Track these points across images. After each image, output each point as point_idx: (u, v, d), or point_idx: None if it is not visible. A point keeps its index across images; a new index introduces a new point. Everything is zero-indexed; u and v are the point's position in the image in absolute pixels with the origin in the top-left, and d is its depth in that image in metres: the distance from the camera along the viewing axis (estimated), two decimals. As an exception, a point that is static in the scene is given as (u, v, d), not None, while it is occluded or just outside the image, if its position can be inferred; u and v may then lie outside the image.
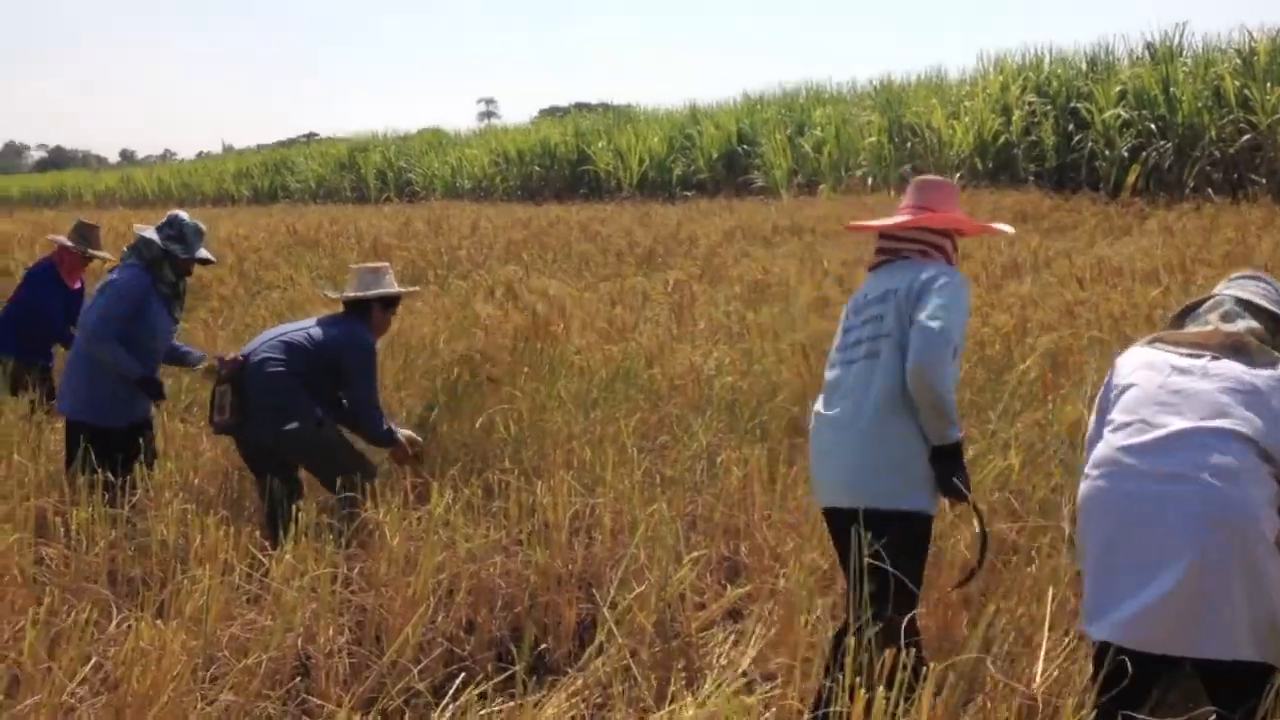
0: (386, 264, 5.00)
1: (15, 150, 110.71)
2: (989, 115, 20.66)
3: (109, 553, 4.03)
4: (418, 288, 5.25)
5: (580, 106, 51.06)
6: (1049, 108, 20.43)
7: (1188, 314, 3.03)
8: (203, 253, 5.28)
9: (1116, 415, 2.76)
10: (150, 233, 5.18)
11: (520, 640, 3.88)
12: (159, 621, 3.16)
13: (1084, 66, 21.04)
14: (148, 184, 47.48)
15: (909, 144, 22.47)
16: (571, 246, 10.70)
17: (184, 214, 5.34)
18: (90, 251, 6.89)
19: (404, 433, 4.77)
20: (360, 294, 4.74)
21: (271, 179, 41.53)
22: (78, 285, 6.97)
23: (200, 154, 66.80)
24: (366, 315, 4.75)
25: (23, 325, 6.76)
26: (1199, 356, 2.73)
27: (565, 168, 30.97)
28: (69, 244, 6.85)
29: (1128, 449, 2.66)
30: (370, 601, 3.63)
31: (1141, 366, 2.81)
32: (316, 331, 4.66)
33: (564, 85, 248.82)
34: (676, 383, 4.99)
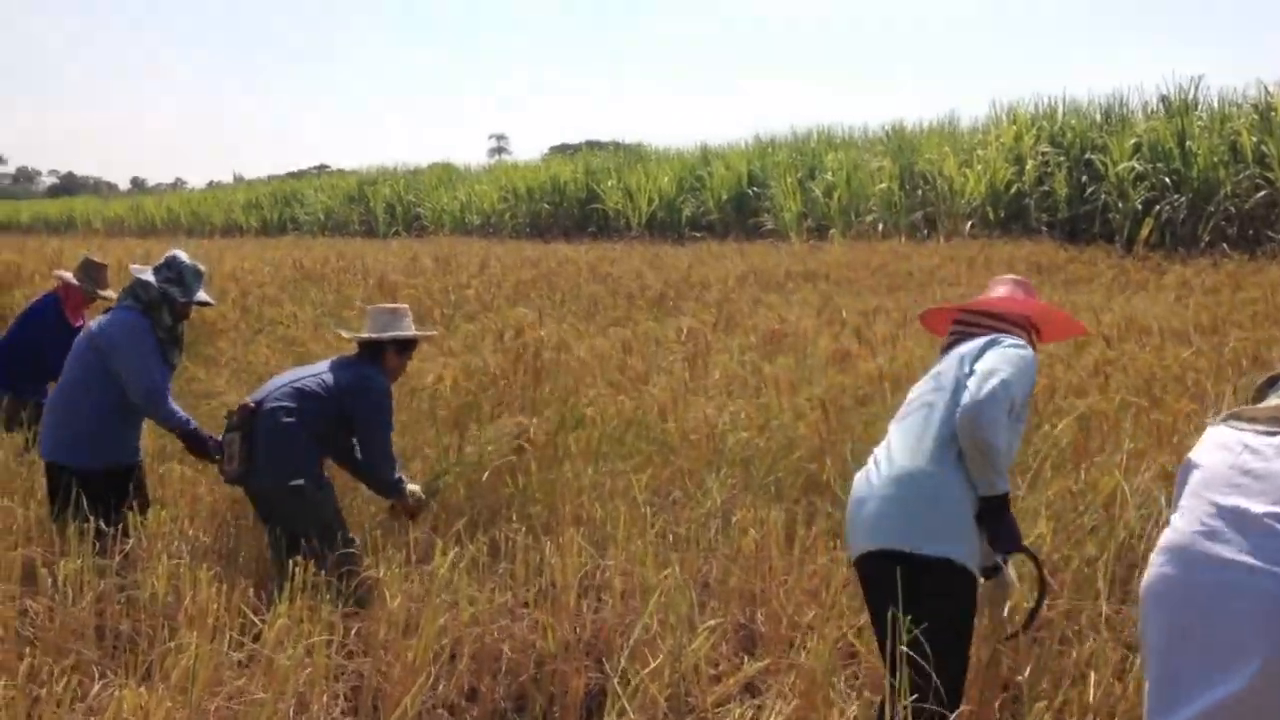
0: (405, 306, 4.79)
1: (27, 175, 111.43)
2: (1002, 164, 20.62)
3: (96, 606, 3.85)
4: (434, 331, 5.06)
5: (591, 144, 51.34)
6: (1062, 158, 20.39)
7: (1269, 387, 2.83)
8: (202, 295, 5.03)
9: (1184, 499, 2.57)
10: (147, 274, 4.96)
11: (525, 710, 3.69)
12: (143, 689, 2.97)
13: (1098, 118, 21.03)
14: (157, 212, 47.60)
15: (920, 191, 22.43)
16: (581, 288, 10.54)
17: (183, 254, 5.13)
18: (97, 292, 6.74)
19: (412, 487, 4.59)
20: (375, 336, 4.55)
21: (280, 210, 41.59)
22: (80, 323, 6.81)
23: (211, 183, 67.09)
24: (380, 358, 4.56)
25: (19, 360, 6.61)
26: (1274, 434, 2.54)
27: (574, 206, 31.00)
28: (75, 282, 6.71)
29: (1194, 534, 2.47)
30: (368, 668, 3.44)
31: (1214, 446, 2.62)
32: (329, 376, 4.47)
33: (575, 122, 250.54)
34: (690, 437, 4.81)
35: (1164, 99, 20.43)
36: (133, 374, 4.71)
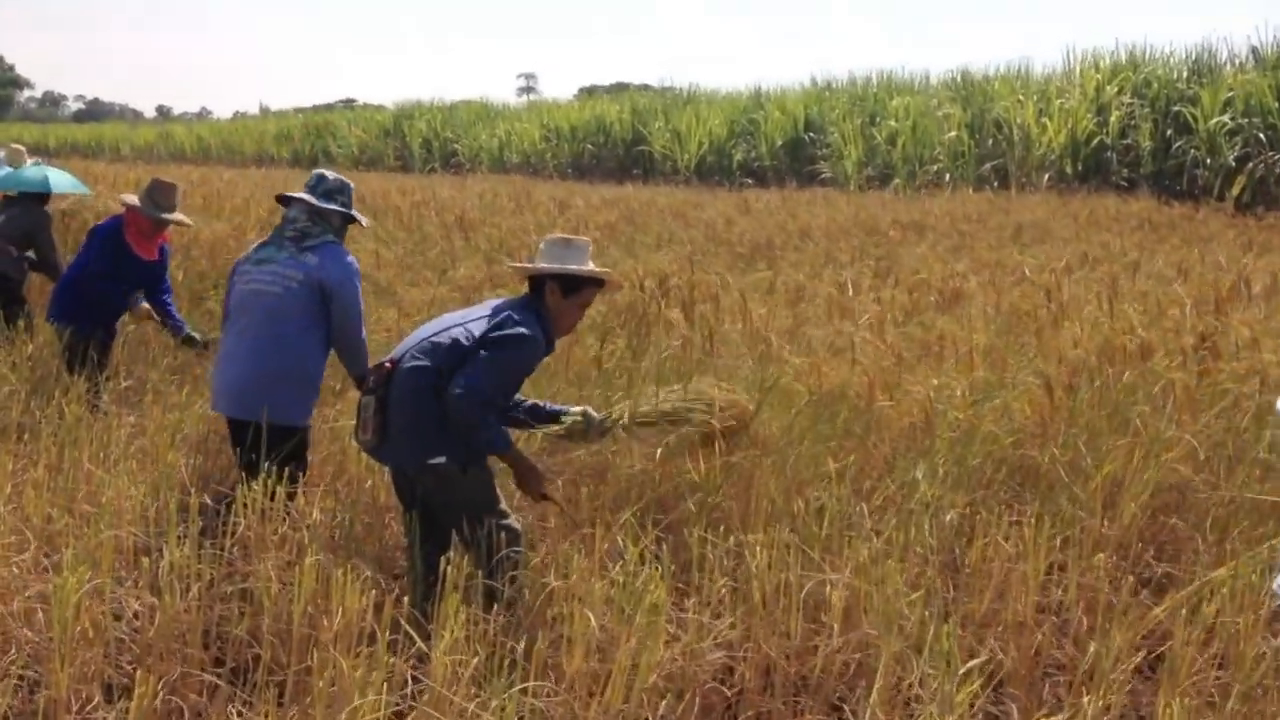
0: (584, 239, 3.90)
1: (53, 100, 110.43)
2: (1083, 115, 19.58)
3: (206, 601, 3.15)
4: (615, 275, 4.21)
5: (621, 86, 50.05)
6: (1147, 110, 19.38)
7: None
8: (364, 220, 4.69)
9: None
10: (313, 199, 4.35)
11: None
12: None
13: (1184, 70, 19.93)
14: (187, 141, 46.84)
15: (991, 140, 21.43)
16: (674, 233, 9.73)
17: (331, 173, 4.55)
18: (163, 216, 5.96)
19: (576, 408, 3.86)
20: (536, 269, 3.75)
21: (313, 142, 40.71)
22: (154, 257, 6.04)
23: (236, 114, 66.14)
24: (543, 297, 3.75)
25: (82, 294, 5.88)
26: None
27: (619, 147, 30.06)
28: (137, 206, 5.93)
29: None
30: (559, 711, 2.73)
31: None
32: (476, 324, 3.66)
33: (605, 64, 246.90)
34: (905, 418, 4.01)
35: (1255, 50, 19.32)
36: (354, 317, 4.29)
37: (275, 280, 4.27)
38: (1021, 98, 21.02)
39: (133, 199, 6.08)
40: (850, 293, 5.60)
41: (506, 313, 3.66)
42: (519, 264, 3.92)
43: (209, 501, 3.68)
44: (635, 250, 8.70)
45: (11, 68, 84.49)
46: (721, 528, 3.44)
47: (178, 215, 6.11)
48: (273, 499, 3.60)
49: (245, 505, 3.56)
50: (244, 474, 4.06)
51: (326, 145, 39.76)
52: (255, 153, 41.94)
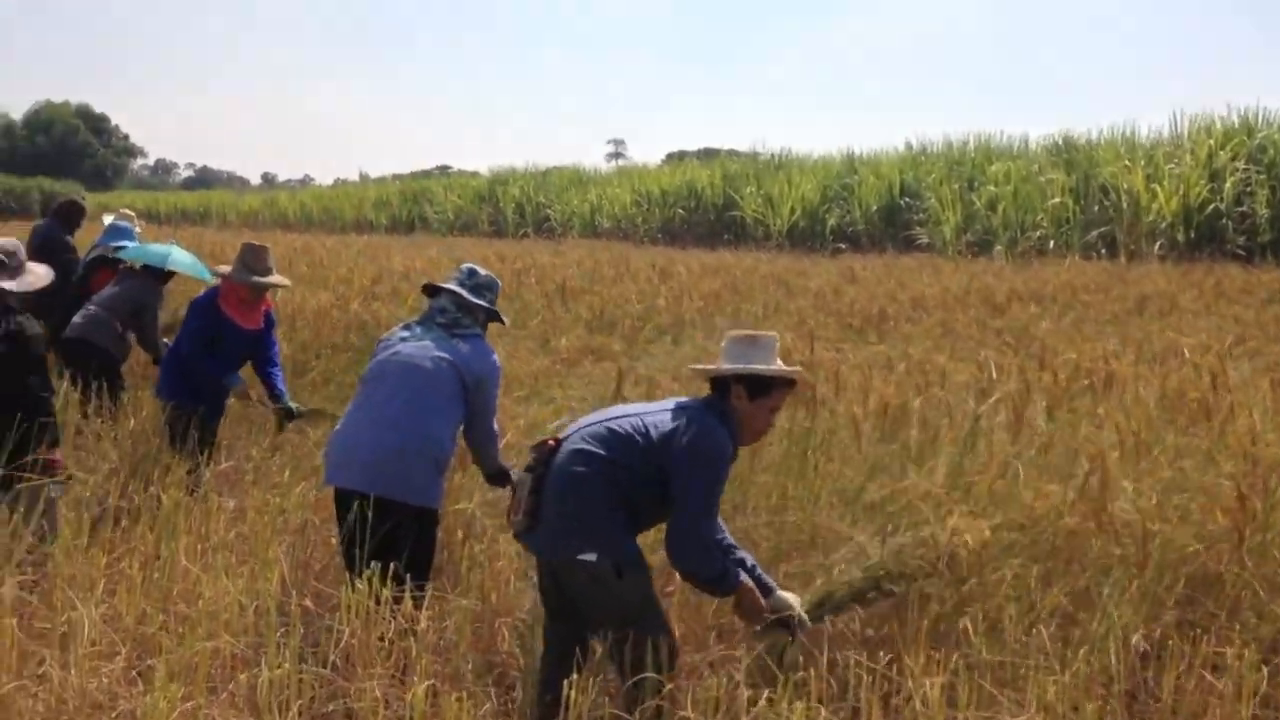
0: (770, 335, 3.54)
1: (164, 167, 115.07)
2: (1196, 181, 18.84)
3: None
4: (806, 375, 3.80)
5: (709, 151, 50.27)
6: (1263, 177, 18.59)
7: None
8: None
9: None
10: (468, 293, 4.27)
11: None
12: None
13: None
14: (290, 207, 48.10)
15: (1097, 206, 20.75)
16: (780, 302, 9.38)
17: (479, 267, 4.48)
18: (257, 280, 5.78)
19: (786, 597, 3.34)
20: (722, 370, 3.41)
21: (409, 208, 41.51)
22: (257, 325, 5.88)
23: (337, 180, 68.05)
24: (729, 400, 3.41)
25: (185, 366, 5.75)
26: None
27: (710, 212, 29.96)
28: (231, 274, 5.77)
29: None
30: None
31: None
32: (657, 419, 3.35)
33: (692, 130, 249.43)
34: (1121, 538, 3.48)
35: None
36: (489, 412, 4.20)
37: (424, 355, 4.11)
38: (1129, 163, 20.35)
39: (225, 268, 5.95)
40: (994, 374, 5.15)
41: (694, 417, 3.33)
42: (701, 365, 3.61)
43: (310, 606, 3.41)
44: (741, 321, 8.37)
45: (126, 137, 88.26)
46: (880, 651, 3.03)
47: (273, 278, 5.95)
48: (379, 602, 3.31)
49: (349, 609, 3.28)
50: (351, 564, 3.81)
51: (423, 211, 40.47)
52: (354, 218, 42.86)
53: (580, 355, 7.25)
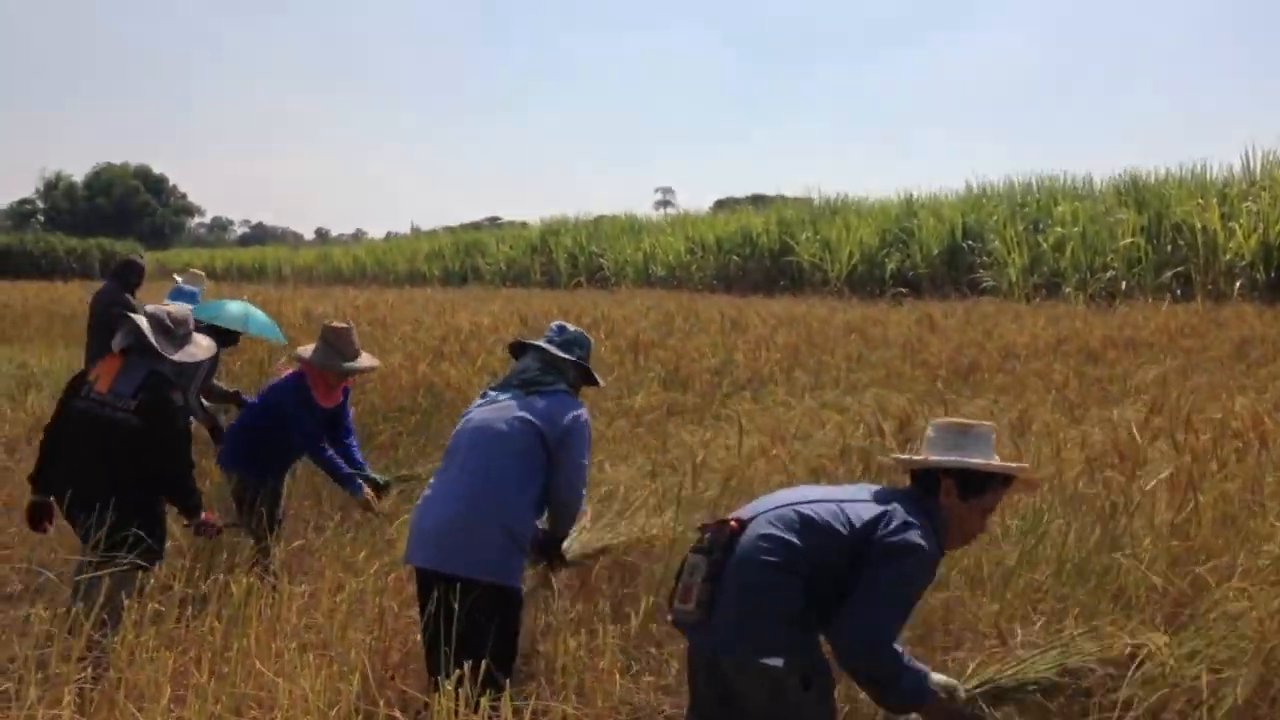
0: (986, 425, 3.12)
1: (221, 225, 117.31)
2: (1276, 219, 18.21)
3: None
4: (1032, 472, 3.32)
5: (757, 198, 50.10)
6: (1347, 213, 17.94)
7: None
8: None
9: None
10: (559, 350, 4.02)
11: None
12: None
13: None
14: (344, 261, 48.56)
15: (1170, 246, 20.14)
16: (861, 354, 8.97)
17: (569, 325, 4.21)
18: (349, 366, 5.48)
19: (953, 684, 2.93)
20: (934, 461, 3.03)
21: (462, 260, 41.67)
22: (335, 402, 5.58)
23: (389, 234, 68.82)
24: (936, 496, 3.01)
25: (259, 439, 5.45)
26: None
27: (765, 258, 29.62)
28: (320, 363, 5.44)
29: None
30: None
31: None
32: (861, 509, 2.96)
33: (738, 177, 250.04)
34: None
35: None
36: (577, 473, 3.85)
37: (499, 418, 3.81)
38: (1201, 200, 19.76)
39: (307, 351, 5.65)
40: (1136, 435, 4.66)
41: (900, 512, 2.93)
42: (904, 455, 3.22)
43: (398, 717, 3.04)
44: (825, 377, 7.94)
45: (184, 196, 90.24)
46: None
47: (364, 361, 5.65)
48: (474, 709, 2.94)
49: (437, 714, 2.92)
50: (432, 651, 3.48)
51: (475, 262, 40.58)
52: (408, 271, 43.12)
53: (657, 415, 6.90)
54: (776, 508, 3.03)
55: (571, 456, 3.80)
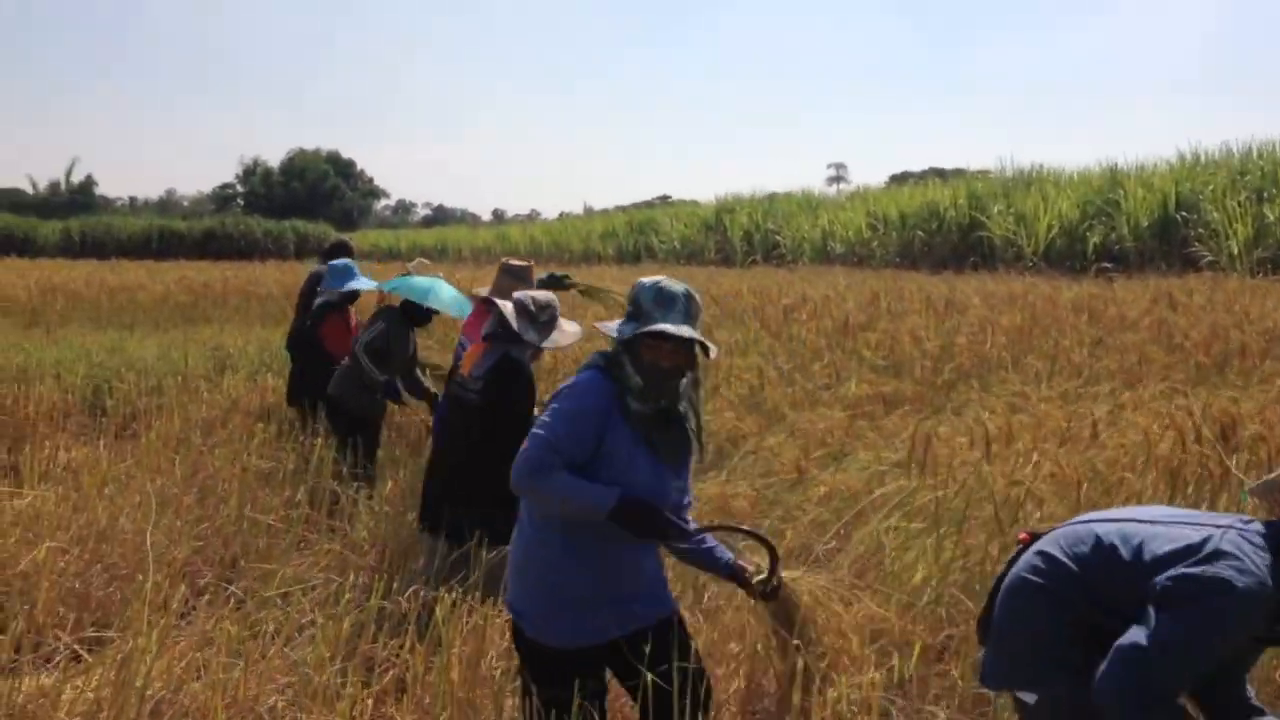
0: None
1: (404, 207, 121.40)
2: None
3: None
4: None
5: (935, 171, 47.97)
6: None
7: None
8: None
9: None
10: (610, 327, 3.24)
11: None
12: None
13: None
14: (521, 241, 49.21)
15: None
16: (1101, 337, 7.99)
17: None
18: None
19: None
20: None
21: (635, 239, 41.53)
22: None
23: (562, 214, 69.43)
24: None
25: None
26: None
27: (954, 233, 28.17)
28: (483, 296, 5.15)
29: None
30: None
31: None
32: (1172, 533, 2.38)
33: (915, 150, 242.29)
34: None
35: None
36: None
37: None
38: None
39: (483, 291, 5.31)
40: None
41: (1226, 545, 2.32)
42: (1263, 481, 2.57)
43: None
44: (1061, 364, 7.04)
45: (371, 180, 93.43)
46: None
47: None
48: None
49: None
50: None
51: (649, 241, 40.38)
52: (582, 250, 43.33)
53: (874, 404, 6.24)
54: (1075, 523, 2.54)
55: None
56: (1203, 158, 24.64)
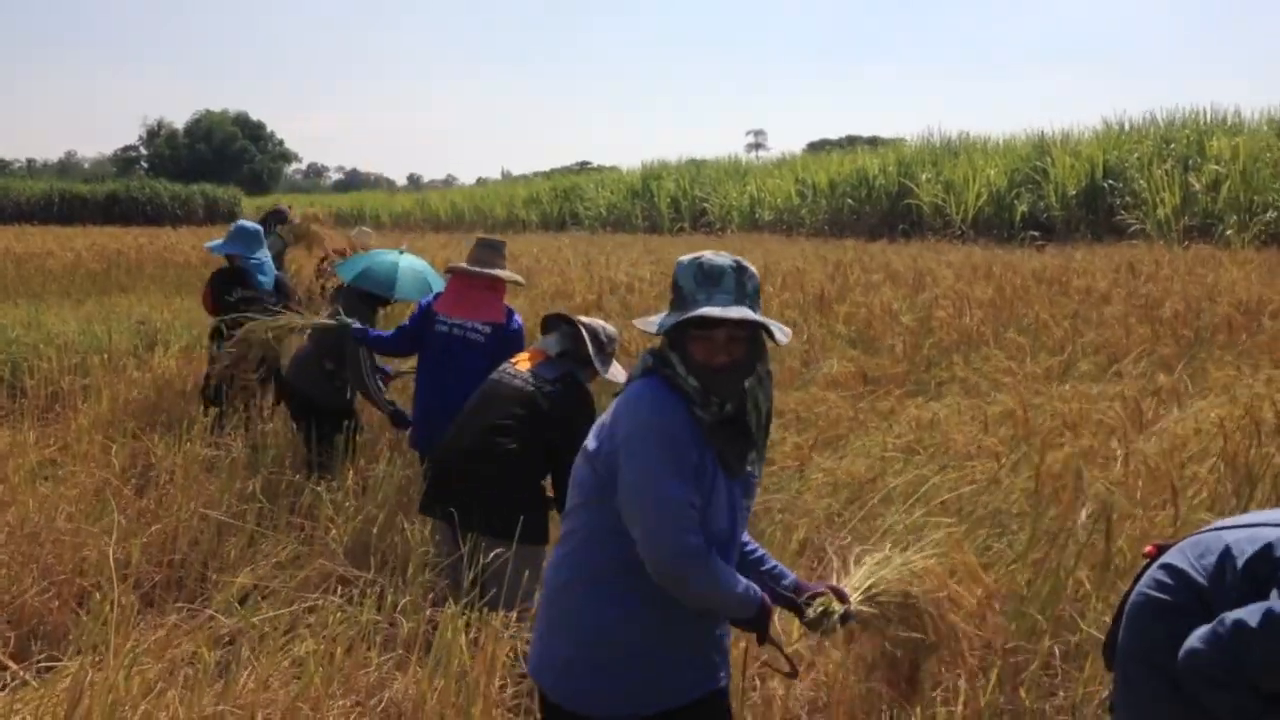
0: None
1: (316, 171, 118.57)
2: None
3: None
4: None
5: (853, 140, 48.12)
6: None
7: None
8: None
9: None
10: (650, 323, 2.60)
11: None
12: None
13: None
14: (441, 207, 48.18)
15: (1343, 184, 18.41)
16: (1078, 309, 7.80)
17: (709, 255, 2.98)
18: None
19: None
20: None
21: (560, 205, 40.90)
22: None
23: (479, 179, 68.30)
24: None
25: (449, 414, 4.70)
26: None
27: (883, 201, 28.16)
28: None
29: None
30: None
31: None
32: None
33: (832, 118, 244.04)
34: None
35: None
36: None
37: None
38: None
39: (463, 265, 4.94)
40: None
41: None
42: None
43: None
44: (1044, 338, 6.81)
45: (281, 143, 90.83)
46: None
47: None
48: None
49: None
50: None
51: (574, 208, 39.81)
52: (505, 217, 42.53)
53: (856, 383, 5.96)
54: (1206, 530, 2.24)
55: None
56: (1127, 126, 24.92)
